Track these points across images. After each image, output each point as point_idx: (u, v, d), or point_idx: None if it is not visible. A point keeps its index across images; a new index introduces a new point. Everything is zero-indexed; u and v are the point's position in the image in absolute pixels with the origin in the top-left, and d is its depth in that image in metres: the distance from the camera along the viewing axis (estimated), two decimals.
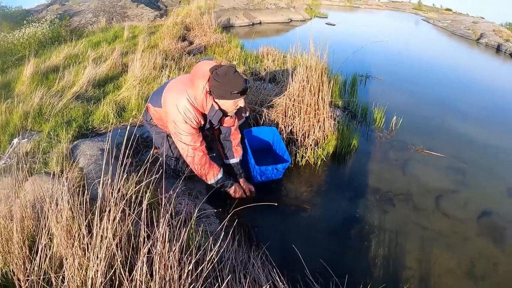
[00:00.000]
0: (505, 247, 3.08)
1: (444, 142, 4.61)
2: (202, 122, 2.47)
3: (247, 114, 3.12)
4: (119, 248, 1.60)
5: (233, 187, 2.72)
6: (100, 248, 1.51)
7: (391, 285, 2.41)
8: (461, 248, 2.94)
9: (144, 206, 1.64)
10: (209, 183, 2.61)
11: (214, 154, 2.90)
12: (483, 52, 12.67)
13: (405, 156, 4.03)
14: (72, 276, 1.52)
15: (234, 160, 2.93)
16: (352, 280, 2.29)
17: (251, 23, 11.28)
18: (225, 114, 2.51)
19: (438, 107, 5.95)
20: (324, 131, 3.58)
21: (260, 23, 11.55)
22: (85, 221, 1.63)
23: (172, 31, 7.60)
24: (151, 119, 2.79)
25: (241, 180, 2.91)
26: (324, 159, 3.54)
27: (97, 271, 1.48)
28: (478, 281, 2.67)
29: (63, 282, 1.54)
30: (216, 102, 2.39)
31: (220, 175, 2.62)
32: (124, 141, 1.97)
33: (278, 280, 1.97)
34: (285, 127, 3.55)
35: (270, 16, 12.20)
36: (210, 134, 3.17)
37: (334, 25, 12.30)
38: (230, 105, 2.40)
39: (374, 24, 15.94)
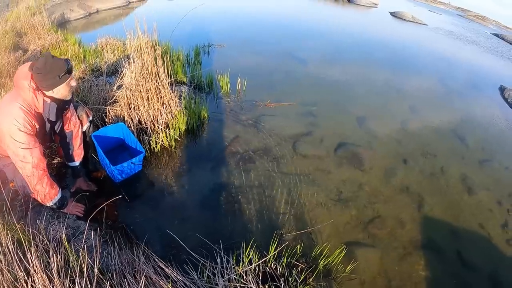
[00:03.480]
0: (365, 167, 3.64)
1: (290, 91, 5.06)
2: (37, 126, 2.30)
3: (91, 118, 2.99)
4: None
5: (68, 206, 2.63)
6: None
7: (267, 234, 2.68)
8: (326, 181, 3.37)
9: (10, 247, 1.59)
10: (47, 205, 2.46)
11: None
12: (323, 1, 13.87)
13: (256, 113, 4.32)
14: None
15: (75, 163, 2.84)
16: (232, 242, 2.52)
17: (87, 14, 10.34)
18: (60, 105, 2.41)
19: (279, 61, 6.43)
20: (171, 112, 3.61)
21: (97, 11, 10.67)
22: None
23: (3, 41, 6.59)
24: None
25: (80, 180, 2.91)
26: (178, 138, 3.62)
27: None
28: (348, 204, 3.15)
29: None
30: (49, 96, 2.28)
31: (58, 196, 2.49)
32: None
33: (164, 267, 2.05)
34: (132, 119, 3.48)
35: (107, 2, 11.29)
36: (54, 145, 2.98)
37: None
38: (63, 89, 2.30)
39: None
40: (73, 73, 2.35)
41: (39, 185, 2.33)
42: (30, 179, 2.31)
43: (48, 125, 2.45)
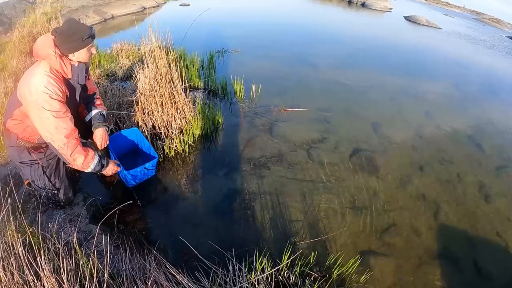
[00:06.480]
0: (380, 174, 3.58)
1: (304, 96, 5.03)
2: (67, 92, 2.29)
3: (111, 127, 3.01)
4: None
5: (109, 166, 2.58)
6: None
7: (280, 242, 2.65)
8: (340, 188, 3.32)
9: (20, 250, 1.60)
10: (88, 171, 2.44)
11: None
12: (336, 6, 13.81)
13: (270, 119, 4.31)
14: None
15: (97, 110, 2.74)
16: (245, 249, 2.49)
17: (103, 20, 10.50)
18: (86, 67, 2.41)
19: (294, 66, 6.41)
20: (185, 117, 3.62)
21: (112, 17, 10.83)
22: None
23: (20, 46, 6.69)
24: (17, 138, 2.46)
25: (103, 130, 2.73)
26: (192, 143, 3.63)
27: None
28: (363, 211, 3.10)
29: None
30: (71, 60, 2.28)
31: (96, 158, 2.45)
32: None
33: (176, 274, 2.03)
34: (146, 124, 3.50)
35: (122, 8, 11.49)
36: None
37: (188, 5, 12.16)
38: (84, 53, 2.28)
39: None
40: (94, 40, 2.34)
41: (76, 154, 2.30)
42: (65, 150, 2.26)
43: (79, 87, 2.43)
